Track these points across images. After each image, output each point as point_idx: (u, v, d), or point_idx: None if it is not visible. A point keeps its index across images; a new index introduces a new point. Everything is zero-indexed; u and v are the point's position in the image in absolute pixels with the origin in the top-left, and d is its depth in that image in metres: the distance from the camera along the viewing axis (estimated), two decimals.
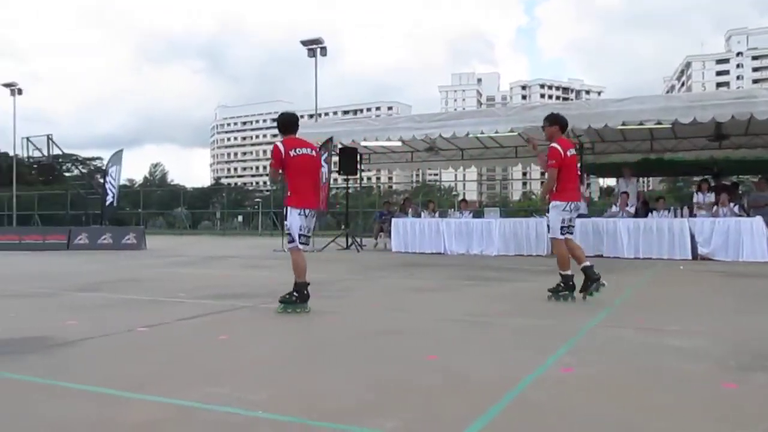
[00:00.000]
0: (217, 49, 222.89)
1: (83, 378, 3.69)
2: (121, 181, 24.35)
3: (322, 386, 3.54)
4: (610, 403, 3.19)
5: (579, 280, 6.88)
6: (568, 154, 6.85)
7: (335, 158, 19.34)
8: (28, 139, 28.48)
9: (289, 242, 6.27)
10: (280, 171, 6.14)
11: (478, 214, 17.79)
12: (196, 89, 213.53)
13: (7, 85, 42.80)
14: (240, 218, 46.19)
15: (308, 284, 6.17)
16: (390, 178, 67.80)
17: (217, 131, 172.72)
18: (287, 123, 6.32)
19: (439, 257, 14.83)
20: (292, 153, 6.04)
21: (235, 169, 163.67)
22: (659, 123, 14.31)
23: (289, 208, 6.13)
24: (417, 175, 52.84)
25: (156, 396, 3.29)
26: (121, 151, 23.10)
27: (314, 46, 32.73)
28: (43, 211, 42.34)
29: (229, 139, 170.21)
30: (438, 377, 3.72)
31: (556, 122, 6.97)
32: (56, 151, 28.61)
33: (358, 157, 19.95)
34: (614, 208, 15.60)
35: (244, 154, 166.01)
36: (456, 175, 36.59)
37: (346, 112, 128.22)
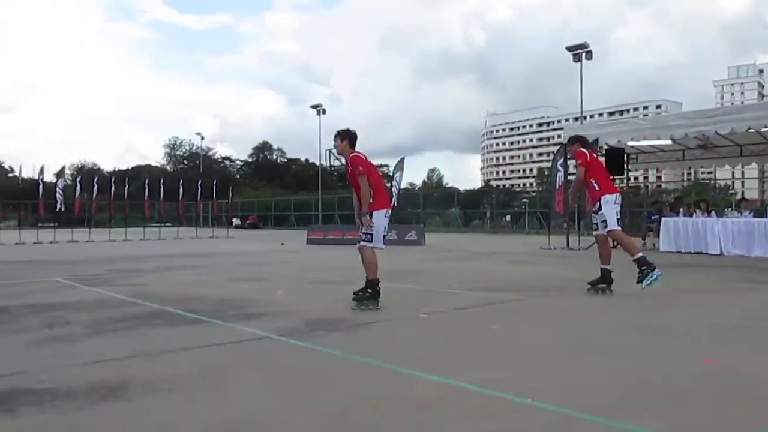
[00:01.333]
0: (486, 62, 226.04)
1: (375, 355, 4.03)
2: (402, 185, 25.86)
3: (588, 380, 3.43)
4: None
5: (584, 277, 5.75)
6: (594, 156, 7.26)
7: (601, 159, 18.44)
8: (330, 150, 31.80)
9: (366, 241, 6.08)
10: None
11: (759, 213, 15.66)
12: (468, 100, 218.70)
13: (314, 107, 48.23)
14: (508, 217, 46.32)
15: (379, 281, 6.10)
16: (659, 177, 62.61)
17: (486, 137, 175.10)
18: (355, 138, 6.28)
19: (713, 258, 13.36)
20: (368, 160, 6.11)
21: (503, 171, 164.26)
22: None
23: (374, 211, 6.02)
24: (688, 174, 48.12)
25: (435, 376, 3.47)
26: (403, 159, 24.64)
27: (579, 51, 31.59)
28: (342, 211, 46.67)
29: (497, 144, 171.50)
30: (710, 382, 3.39)
31: (576, 141, 7.41)
32: None
33: (625, 157, 18.78)
34: None
35: (512, 157, 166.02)
36: (733, 173, 32.61)
37: (611, 113, 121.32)
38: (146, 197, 31.19)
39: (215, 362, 3.94)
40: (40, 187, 26.11)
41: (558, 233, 20.20)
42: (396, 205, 24.51)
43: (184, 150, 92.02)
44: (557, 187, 17.88)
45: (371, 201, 5.98)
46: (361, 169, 5.95)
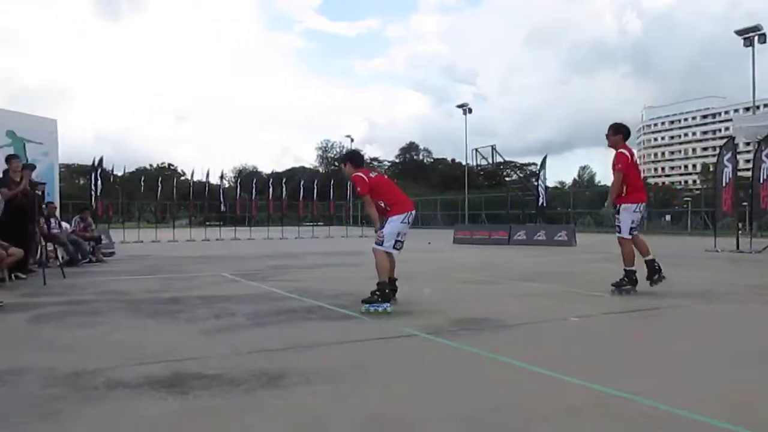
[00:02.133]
0: (643, 52, 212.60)
1: (522, 356, 3.99)
2: (551, 183, 25.25)
3: (750, 393, 3.17)
4: None
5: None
6: (634, 159, 7.11)
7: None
8: (476, 150, 31.67)
9: (377, 244, 6.12)
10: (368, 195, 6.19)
11: None
12: (621, 93, 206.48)
13: (460, 106, 48.20)
14: (668, 217, 43.41)
15: (391, 281, 6.15)
16: None
17: (643, 132, 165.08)
18: (361, 158, 6.83)
19: None
20: (372, 174, 6.33)
21: (663, 168, 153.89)
22: None
23: (391, 218, 6.09)
24: None
25: (583, 381, 3.38)
26: (545, 157, 24.18)
27: (751, 34, 28.86)
28: (488, 210, 46.26)
29: (656, 139, 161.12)
30: None
31: (619, 131, 7.17)
32: (498, 159, 31.15)
33: None
34: None
35: (672, 153, 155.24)
36: None
37: None
38: (301, 197, 32.91)
39: (365, 357, 4.11)
40: (207, 188, 28.49)
41: (725, 234, 18.64)
42: (544, 204, 23.94)
43: (335, 152, 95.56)
44: (724, 184, 16.53)
45: (388, 209, 6.15)
46: (359, 190, 6.24)
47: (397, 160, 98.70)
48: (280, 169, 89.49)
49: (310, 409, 3.02)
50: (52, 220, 11.76)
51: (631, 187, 7.02)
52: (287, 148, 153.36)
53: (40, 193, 9.63)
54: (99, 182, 22.89)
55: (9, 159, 9.55)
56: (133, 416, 2.94)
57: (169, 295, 7.28)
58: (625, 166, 6.98)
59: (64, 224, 12.89)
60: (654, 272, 7.10)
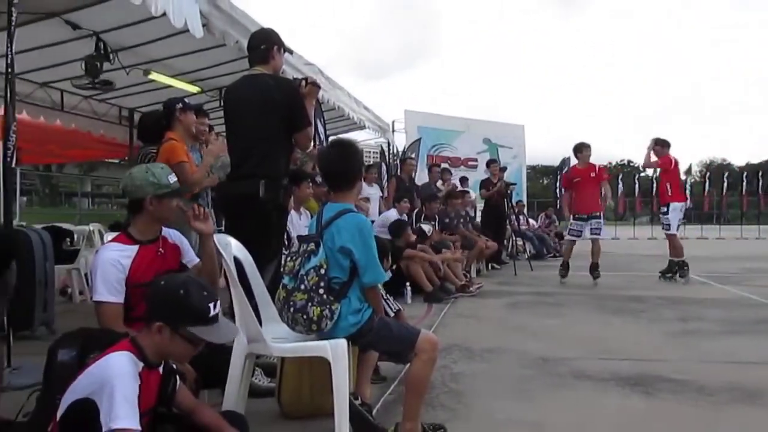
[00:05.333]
0: None
1: None
2: None
3: None
4: None
5: None
6: (677, 163, 8.54)
7: None
8: None
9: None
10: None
11: None
12: None
13: None
14: None
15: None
16: None
17: None
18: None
19: None
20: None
21: None
22: None
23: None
24: None
25: None
26: None
27: None
28: None
29: None
30: None
31: (667, 145, 8.32)
32: None
33: None
34: None
35: None
36: None
37: None
38: None
39: None
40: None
41: None
42: None
43: None
44: None
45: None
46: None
47: None
48: (755, 160, 79.10)
49: None
50: (521, 217, 12.90)
51: (674, 188, 8.23)
52: (765, 137, 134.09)
53: (510, 192, 10.75)
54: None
55: (489, 163, 11.13)
56: (600, 408, 3.05)
57: (631, 293, 7.21)
58: (666, 166, 8.29)
59: (531, 221, 14.04)
60: (670, 271, 8.16)
